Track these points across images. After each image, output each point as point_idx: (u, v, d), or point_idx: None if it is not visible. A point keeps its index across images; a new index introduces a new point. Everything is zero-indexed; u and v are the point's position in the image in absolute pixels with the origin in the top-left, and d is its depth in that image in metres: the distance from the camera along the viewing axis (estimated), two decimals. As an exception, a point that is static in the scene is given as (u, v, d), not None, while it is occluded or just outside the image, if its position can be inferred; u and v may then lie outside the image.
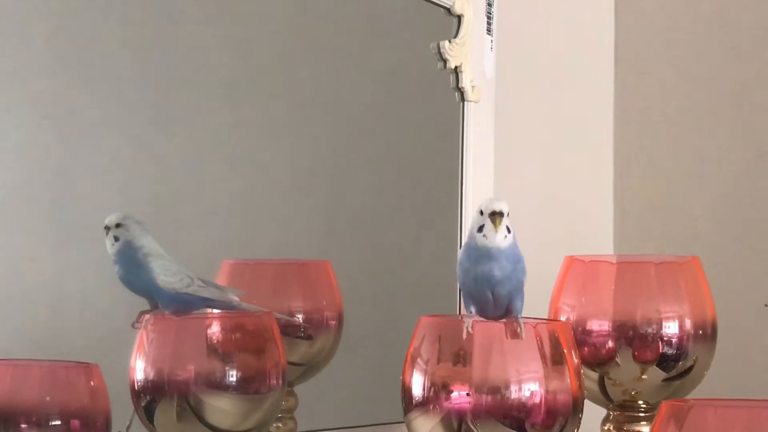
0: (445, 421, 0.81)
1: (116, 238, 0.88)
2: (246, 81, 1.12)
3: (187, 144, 1.07)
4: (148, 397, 0.86)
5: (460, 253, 0.84)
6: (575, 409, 0.84)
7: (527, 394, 0.81)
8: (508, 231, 0.82)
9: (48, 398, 0.81)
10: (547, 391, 0.82)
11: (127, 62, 1.03)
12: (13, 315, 0.95)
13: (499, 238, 0.81)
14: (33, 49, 0.97)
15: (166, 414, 0.86)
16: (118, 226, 0.88)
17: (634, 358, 0.96)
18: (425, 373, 0.83)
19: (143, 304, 0.90)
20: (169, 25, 1.06)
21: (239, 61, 1.11)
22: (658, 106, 1.45)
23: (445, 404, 0.81)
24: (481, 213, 0.82)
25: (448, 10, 1.28)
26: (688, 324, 0.97)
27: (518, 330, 0.82)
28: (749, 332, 1.34)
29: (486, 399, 0.81)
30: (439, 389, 0.82)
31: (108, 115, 1.01)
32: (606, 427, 0.99)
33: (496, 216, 0.81)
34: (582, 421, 0.85)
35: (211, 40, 1.09)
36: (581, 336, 0.96)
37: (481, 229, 0.82)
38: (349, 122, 1.21)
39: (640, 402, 0.98)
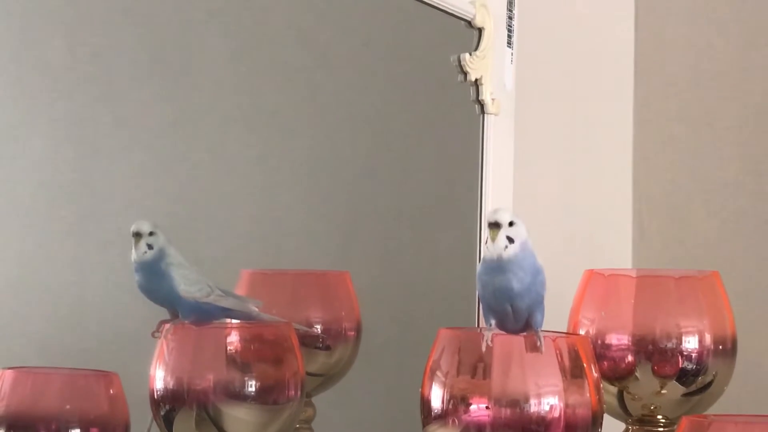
0: (464, 433, 0.81)
1: (150, 246, 0.88)
2: (266, 92, 1.12)
3: (206, 154, 1.07)
4: (168, 406, 0.86)
5: (479, 266, 0.84)
6: (594, 423, 0.83)
7: (546, 407, 0.81)
8: (510, 241, 0.82)
9: (68, 406, 0.82)
10: (566, 405, 0.81)
11: (149, 73, 1.03)
12: (34, 323, 0.95)
13: (498, 249, 0.81)
14: (54, 60, 0.97)
15: (185, 423, 0.86)
16: (151, 234, 0.88)
17: (654, 372, 0.96)
18: (444, 385, 0.82)
19: (163, 313, 0.90)
20: (190, 38, 1.06)
21: (259, 73, 1.12)
22: (679, 119, 1.45)
23: (464, 417, 0.81)
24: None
25: (469, 23, 1.28)
26: (707, 339, 0.97)
27: (538, 343, 0.82)
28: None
29: (505, 412, 0.81)
30: (458, 402, 0.82)
31: (128, 125, 1.02)
32: (625, 442, 0.99)
33: (492, 227, 0.82)
34: (601, 435, 0.85)
35: (232, 56, 1.10)
36: (600, 350, 0.96)
37: (487, 240, 0.82)
38: (369, 134, 1.21)
39: (660, 417, 0.97)
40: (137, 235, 0.88)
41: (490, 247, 0.82)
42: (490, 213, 0.83)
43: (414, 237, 1.24)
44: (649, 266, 1.39)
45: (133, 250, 0.88)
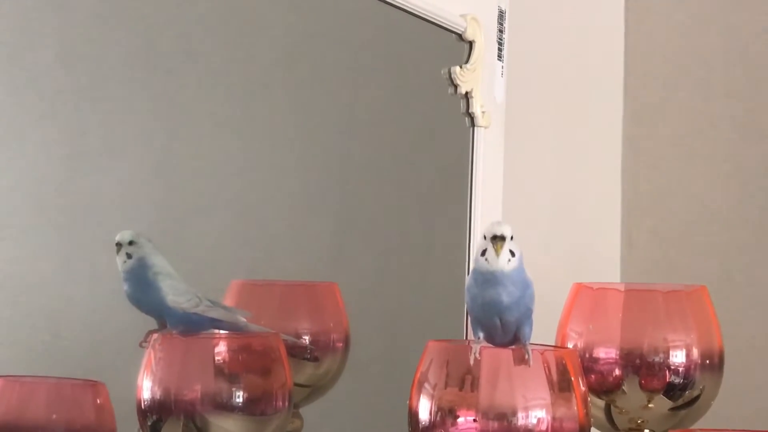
0: (452, 446, 0.81)
1: (129, 256, 0.88)
2: (256, 102, 1.12)
3: (195, 163, 1.07)
4: (155, 417, 0.86)
5: (467, 278, 0.84)
6: (581, 436, 0.83)
7: (534, 420, 0.81)
8: (512, 255, 0.82)
9: (54, 416, 0.81)
10: (553, 419, 0.81)
11: (139, 80, 1.03)
12: (22, 332, 0.95)
13: (501, 262, 0.81)
14: (44, 67, 0.97)
15: (172, 434, 0.85)
16: (131, 243, 0.88)
17: (641, 386, 0.96)
18: (432, 397, 0.82)
19: (151, 323, 0.90)
20: (181, 46, 1.06)
21: (250, 84, 1.12)
22: (667, 134, 1.45)
23: (452, 429, 0.81)
24: (485, 237, 0.82)
25: (460, 36, 1.28)
26: (695, 353, 0.97)
27: (526, 356, 0.82)
28: (756, 362, 1.34)
29: (492, 425, 0.80)
30: (445, 414, 0.82)
31: (117, 132, 1.02)
32: (611, 455, 0.99)
33: (497, 240, 0.81)
34: (588, 448, 0.85)
35: (223, 67, 1.10)
36: (588, 363, 0.96)
37: (484, 253, 0.82)
38: (359, 145, 1.21)
39: (647, 431, 0.97)
40: (118, 245, 0.88)
41: (491, 260, 0.81)
42: (492, 225, 0.82)
43: (403, 248, 1.24)
44: (637, 280, 1.40)
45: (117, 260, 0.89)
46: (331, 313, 1.04)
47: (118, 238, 0.88)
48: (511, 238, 0.81)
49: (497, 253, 0.81)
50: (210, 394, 0.85)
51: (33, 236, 0.96)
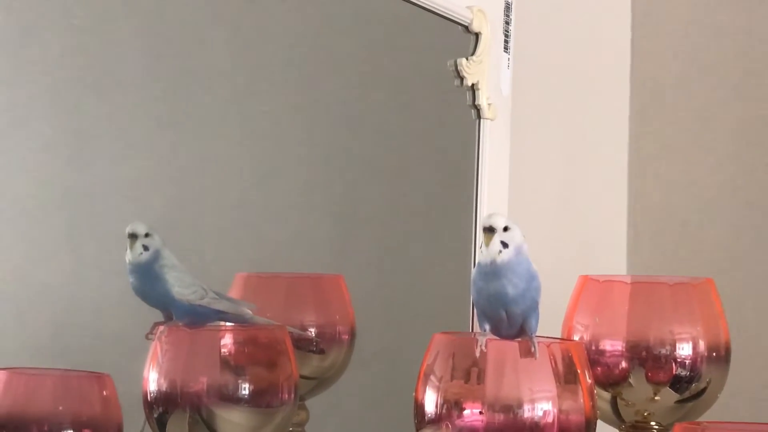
0: (458, 438, 0.81)
1: (145, 248, 0.87)
2: (262, 95, 1.12)
3: (201, 156, 1.07)
4: (161, 409, 0.86)
5: (473, 271, 0.85)
6: (588, 429, 0.83)
7: (540, 413, 0.81)
8: (504, 246, 0.82)
9: (60, 407, 0.82)
10: (560, 411, 0.81)
11: (146, 76, 1.03)
12: (27, 324, 0.95)
13: (492, 253, 0.81)
14: (51, 62, 0.97)
15: (178, 426, 0.86)
16: (147, 235, 0.88)
17: (647, 379, 0.96)
18: (438, 390, 0.82)
19: (157, 315, 0.90)
20: (188, 41, 1.06)
21: (256, 76, 1.12)
22: (674, 126, 1.45)
23: (458, 422, 0.81)
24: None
25: (466, 28, 1.28)
26: (701, 346, 0.97)
27: (532, 349, 0.82)
28: (763, 355, 1.34)
29: (498, 417, 0.81)
30: (451, 406, 0.82)
31: (123, 127, 1.02)
32: (618, 448, 0.99)
33: (486, 231, 0.82)
34: (594, 441, 0.85)
35: (230, 60, 1.10)
36: (594, 356, 0.96)
37: (482, 245, 0.82)
38: (365, 138, 1.21)
39: (653, 423, 0.97)
40: (133, 237, 0.88)
41: (485, 252, 0.82)
42: (485, 217, 0.83)
43: (409, 241, 1.24)
44: (643, 272, 1.40)
45: (128, 252, 0.88)
46: (336, 305, 1.04)
47: (131, 229, 0.88)
48: (505, 229, 0.82)
49: (486, 244, 0.81)
50: (216, 386, 0.85)
51: (39, 230, 0.96)
